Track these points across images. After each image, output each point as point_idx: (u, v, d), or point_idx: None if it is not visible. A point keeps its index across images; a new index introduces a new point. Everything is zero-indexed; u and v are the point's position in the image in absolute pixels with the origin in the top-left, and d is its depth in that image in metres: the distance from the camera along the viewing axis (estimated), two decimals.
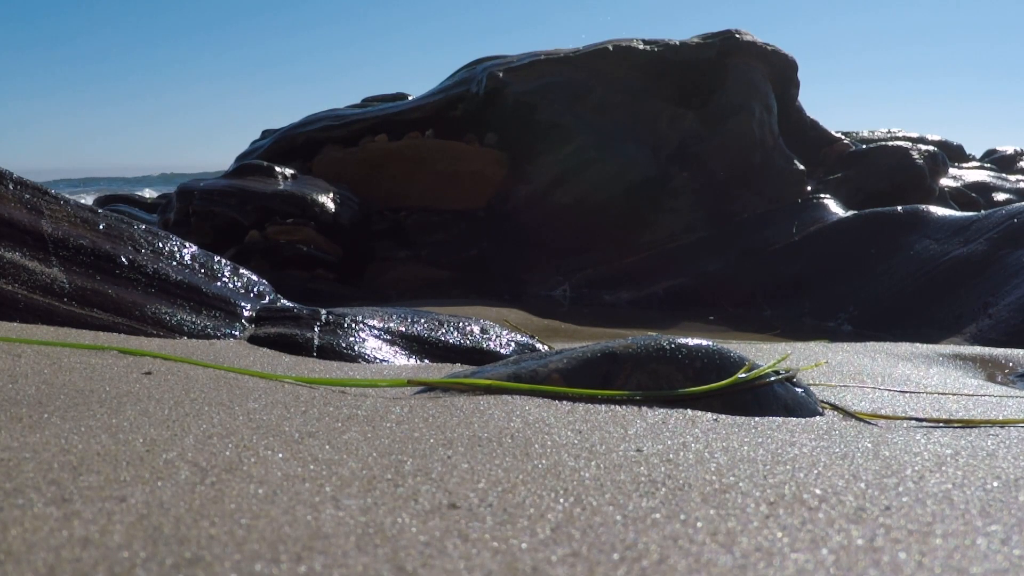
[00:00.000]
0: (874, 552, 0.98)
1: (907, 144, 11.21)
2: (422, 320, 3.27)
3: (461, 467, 1.31)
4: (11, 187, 2.91)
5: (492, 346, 3.20)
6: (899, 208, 8.65)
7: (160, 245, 3.19)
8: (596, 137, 10.43)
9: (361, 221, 10.43)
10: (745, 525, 1.07)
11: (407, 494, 1.16)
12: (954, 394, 2.72)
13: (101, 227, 3.06)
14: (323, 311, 3.18)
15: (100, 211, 3.16)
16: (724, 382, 2.01)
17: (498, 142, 10.80)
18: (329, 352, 2.91)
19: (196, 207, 9.99)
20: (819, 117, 11.98)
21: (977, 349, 4.61)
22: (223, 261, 3.39)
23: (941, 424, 1.98)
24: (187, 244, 3.31)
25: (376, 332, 3.10)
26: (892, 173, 10.48)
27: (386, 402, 1.91)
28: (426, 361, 3.04)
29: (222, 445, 1.38)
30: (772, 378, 2.06)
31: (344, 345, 2.96)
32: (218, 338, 2.99)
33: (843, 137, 11.55)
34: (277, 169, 10.25)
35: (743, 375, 2.04)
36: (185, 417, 1.60)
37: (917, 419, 2.04)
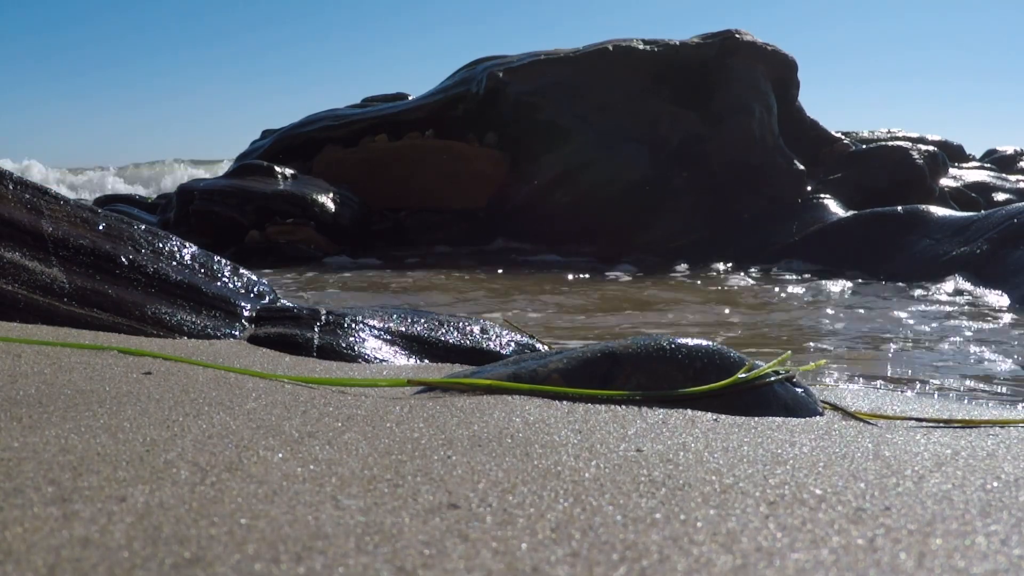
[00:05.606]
0: (874, 552, 0.98)
1: (907, 144, 11.21)
2: (422, 320, 3.27)
3: (461, 467, 1.31)
4: (11, 187, 2.91)
5: (492, 346, 3.20)
6: (899, 208, 8.64)
7: (160, 245, 3.19)
8: (596, 137, 10.42)
9: (361, 221, 10.43)
10: (745, 525, 1.07)
11: (407, 494, 1.16)
12: None
13: (101, 227, 3.06)
14: (323, 311, 3.18)
15: (100, 211, 3.16)
16: (724, 382, 2.01)
17: (498, 142, 10.80)
18: (329, 352, 2.91)
19: (196, 207, 9.99)
20: (819, 117, 11.97)
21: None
22: (223, 261, 3.39)
23: (941, 424, 1.97)
24: (187, 244, 3.31)
25: (376, 332, 3.10)
26: (892, 173, 10.48)
27: (386, 402, 1.90)
28: (426, 361, 3.03)
29: (222, 445, 1.38)
30: (772, 378, 2.06)
31: (344, 345, 2.96)
32: (218, 338, 2.99)
33: (843, 137, 11.54)
34: (277, 169, 10.24)
35: (743, 375, 2.04)
36: (185, 417, 1.60)
37: (917, 419, 2.04)
